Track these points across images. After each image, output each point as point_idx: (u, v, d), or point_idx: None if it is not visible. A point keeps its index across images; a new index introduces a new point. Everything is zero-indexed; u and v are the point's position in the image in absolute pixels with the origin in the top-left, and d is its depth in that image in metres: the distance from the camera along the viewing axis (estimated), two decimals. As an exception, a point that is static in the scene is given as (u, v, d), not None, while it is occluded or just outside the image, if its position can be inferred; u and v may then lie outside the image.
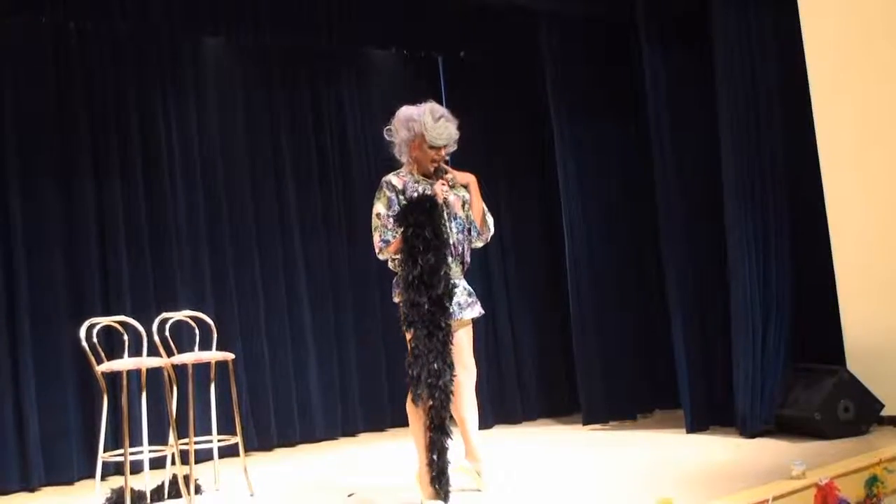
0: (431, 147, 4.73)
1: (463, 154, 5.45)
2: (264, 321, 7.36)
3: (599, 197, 7.44)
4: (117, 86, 6.85)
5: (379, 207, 4.71)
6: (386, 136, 4.83)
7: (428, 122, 4.70)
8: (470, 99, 7.76)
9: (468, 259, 4.89)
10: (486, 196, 5.12)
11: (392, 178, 4.76)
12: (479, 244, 4.98)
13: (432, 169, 4.79)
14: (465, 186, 4.95)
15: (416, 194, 4.64)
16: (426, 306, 4.43)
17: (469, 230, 4.88)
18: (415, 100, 4.81)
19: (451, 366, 4.48)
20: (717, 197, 6.27)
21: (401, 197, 4.67)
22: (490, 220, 4.98)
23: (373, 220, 4.72)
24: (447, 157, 4.90)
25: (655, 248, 7.07)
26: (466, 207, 4.89)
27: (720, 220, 6.26)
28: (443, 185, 4.73)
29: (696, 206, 6.60)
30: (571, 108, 7.35)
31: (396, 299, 4.68)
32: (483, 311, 4.92)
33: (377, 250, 4.70)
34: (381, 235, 4.68)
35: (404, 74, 8.15)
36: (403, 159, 4.86)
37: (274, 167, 7.57)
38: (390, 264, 4.76)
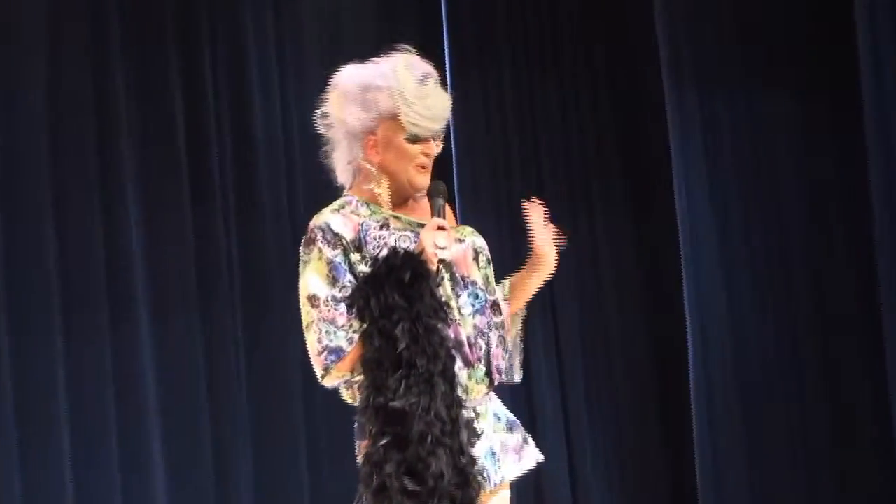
0: (414, 140, 2.96)
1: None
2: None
3: (749, 219, 5.34)
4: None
5: (313, 284, 2.96)
6: (318, 127, 3.03)
7: (409, 85, 2.94)
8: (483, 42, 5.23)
9: (501, 364, 3.09)
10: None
11: (331, 218, 3.00)
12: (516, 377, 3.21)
13: (417, 185, 2.98)
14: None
15: (389, 249, 2.94)
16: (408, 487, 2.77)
17: (493, 307, 3.11)
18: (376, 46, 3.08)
19: None
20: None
21: (356, 256, 2.96)
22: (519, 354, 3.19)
23: (303, 311, 2.96)
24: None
25: (861, 307, 4.99)
26: (485, 266, 3.11)
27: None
28: (441, 227, 2.94)
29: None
30: (695, 68, 5.44)
31: (360, 458, 3.03)
32: (542, 457, 3.18)
33: (320, 372, 2.93)
34: (322, 341, 2.92)
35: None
36: (345, 178, 3.04)
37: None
38: (346, 394, 3.04)
